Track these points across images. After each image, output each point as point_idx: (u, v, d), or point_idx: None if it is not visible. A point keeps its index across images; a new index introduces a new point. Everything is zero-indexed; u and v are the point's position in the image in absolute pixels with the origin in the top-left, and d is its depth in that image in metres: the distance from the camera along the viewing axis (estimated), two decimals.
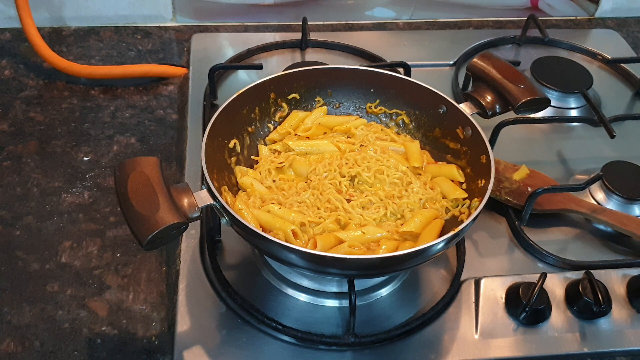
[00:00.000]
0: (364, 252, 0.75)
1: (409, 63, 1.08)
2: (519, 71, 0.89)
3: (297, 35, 1.20)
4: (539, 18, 1.22)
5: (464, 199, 0.82)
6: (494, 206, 0.92)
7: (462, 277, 0.83)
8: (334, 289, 0.80)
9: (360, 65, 0.95)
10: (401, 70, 1.09)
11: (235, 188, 0.83)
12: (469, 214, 0.75)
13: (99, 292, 0.81)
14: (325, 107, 0.93)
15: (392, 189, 0.82)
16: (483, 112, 0.87)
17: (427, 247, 0.68)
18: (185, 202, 0.69)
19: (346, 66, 0.91)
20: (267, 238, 0.67)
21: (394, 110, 0.92)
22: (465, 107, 0.85)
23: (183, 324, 0.76)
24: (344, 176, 0.83)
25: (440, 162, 0.88)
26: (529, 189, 0.91)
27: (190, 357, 0.74)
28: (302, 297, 0.80)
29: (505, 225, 0.91)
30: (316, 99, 0.93)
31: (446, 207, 0.82)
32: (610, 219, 0.90)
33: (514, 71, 0.89)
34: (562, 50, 1.26)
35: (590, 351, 0.77)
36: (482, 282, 0.82)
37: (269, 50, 1.19)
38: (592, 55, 1.25)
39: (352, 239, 0.75)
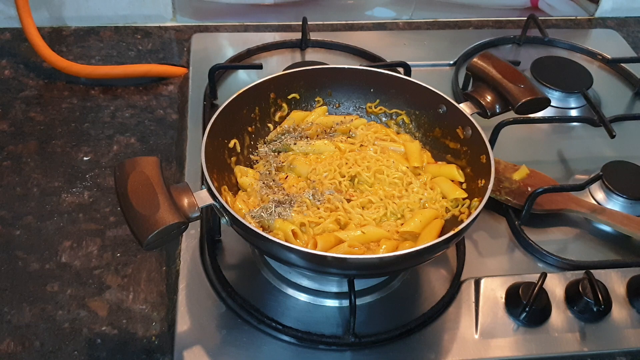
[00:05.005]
0: (364, 252, 0.75)
1: (409, 63, 1.08)
2: (519, 71, 0.89)
3: (297, 35, 1.20)
4: (539, 18, 1.22)
5: (464, 199, 0.82)
6: (494, 206, 0.92)
7: (462, 277, 0.83)
8: (334, 289, 0.81)
9: (360, 65, 0.95)
10: (401, 70, 1.09)
11: (235, 188, 0.83)
12: (469, 214, 0.75)
13: (99, 292, 0.81)
14: (325, 107, 0.93)
15: (392, 189, 0.82)
16: (483, 112, 0.87)
17: (427, 247, 0.68)
18: (185, 202, 0.69)
19: (346, 66, 0.91)
20: (267, 238, 0.67)
21: (394, 110, 0.92)
22: (465, 107, 0.85)
23: (183, 324, 0.76)
24: (344, 176, 0.83)
25: (440, 162, 0.88)
26: (529, 189, 0.91)
27: (190, 357, 0.74)
28: (302, 297, 0.80)
29: (505, 225, 0.91)
30: (316, 99, 0.93)
31: (446, 207, 0.82)
32: (610, 219, 0.90)
33: (514, 71, 0.89)
34: (562, 50, 1.26)
35: (590, 351, 0.77)
36: (482, 282, 0.82)
37: (269, 50, 1.19)
38: (592, 55, 1.25)
39: (352, 239, 0.75)
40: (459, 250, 0.86)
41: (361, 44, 1.20)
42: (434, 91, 0.87)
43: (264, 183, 0.82)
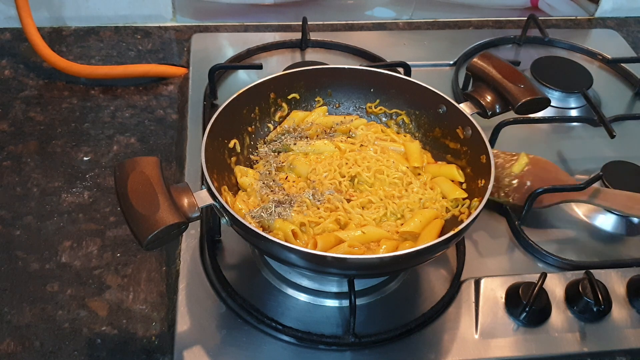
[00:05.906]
0: (364, 252, 0.75)
1: (409, 63, 1.08)
2: (519, 71, 0.89)
3: (297, 35, 1.20)
4: (539, 18, 1.22)
5: (464, 199, 0.82)
6: (494, 206, 0.92)
7: (462, 277, 0.83)
8: (334, 289, 0.81)
9: (360, 65, 0.95)
10: (401, 70, 1.09)
11: (235, 188, 0.83)
12: (469, 214, 0.75)
13: (99, 292, 0.81)
14: (325, 107, 0.93)
15: (392, 189, 0.82)
16: (483, 112, 0.87)
17: (427, 247, 0.68)
18: (185, 202, 0.69)
19: (346, 66, 0.91)
20: (267, 238, 0.67)
21: (394, 110, 0.92)
22: (465, 107, 0.85)
23: (183, 324, 0.76)
24: (344, 176, 0.83)
25: (440, 162, 0.88)
26: (528, 183, 0.90)
27: (190, 357, 0.74)
28: (302, 297, 0.80)
29: (505, 225, 0.91)
30: (316, 99, 0.93)
31: (446, 207, 0.82)
32: (610, 201, 0.88)
33: (514, 71, 0.89)
34: (562, 50, 1.26)
35: (590, 351, 0.77)
36: (482, 282, 0.82)
37: (269, 50, 1.19)
38: (592, 55, 1.25)
39: (352, 238, 0.75)
40: (459, 250, 0.86)
41: (361, 44, 1.20)
42: (434, 91, 0.87)
43: (264, 183, 0.82)
